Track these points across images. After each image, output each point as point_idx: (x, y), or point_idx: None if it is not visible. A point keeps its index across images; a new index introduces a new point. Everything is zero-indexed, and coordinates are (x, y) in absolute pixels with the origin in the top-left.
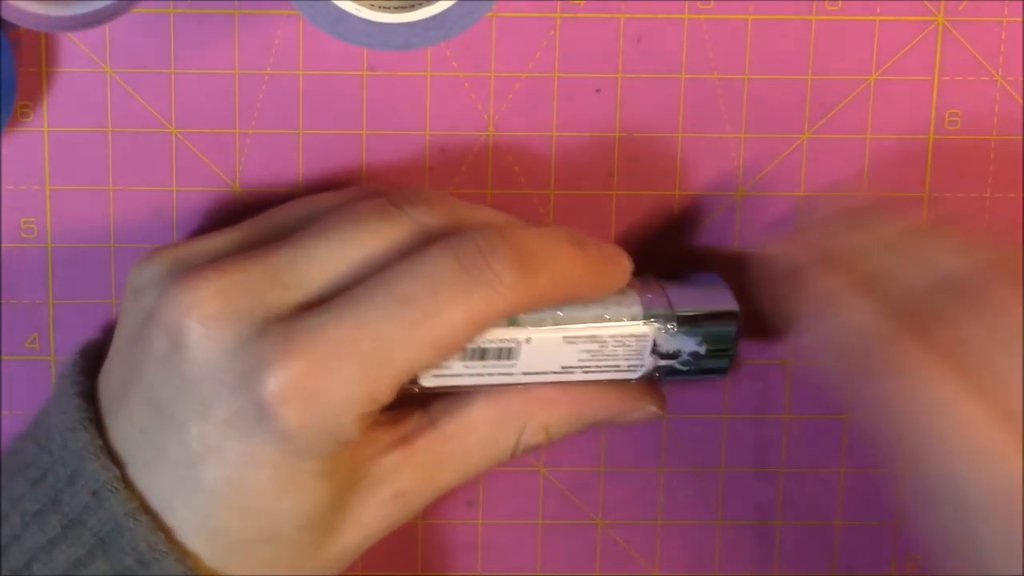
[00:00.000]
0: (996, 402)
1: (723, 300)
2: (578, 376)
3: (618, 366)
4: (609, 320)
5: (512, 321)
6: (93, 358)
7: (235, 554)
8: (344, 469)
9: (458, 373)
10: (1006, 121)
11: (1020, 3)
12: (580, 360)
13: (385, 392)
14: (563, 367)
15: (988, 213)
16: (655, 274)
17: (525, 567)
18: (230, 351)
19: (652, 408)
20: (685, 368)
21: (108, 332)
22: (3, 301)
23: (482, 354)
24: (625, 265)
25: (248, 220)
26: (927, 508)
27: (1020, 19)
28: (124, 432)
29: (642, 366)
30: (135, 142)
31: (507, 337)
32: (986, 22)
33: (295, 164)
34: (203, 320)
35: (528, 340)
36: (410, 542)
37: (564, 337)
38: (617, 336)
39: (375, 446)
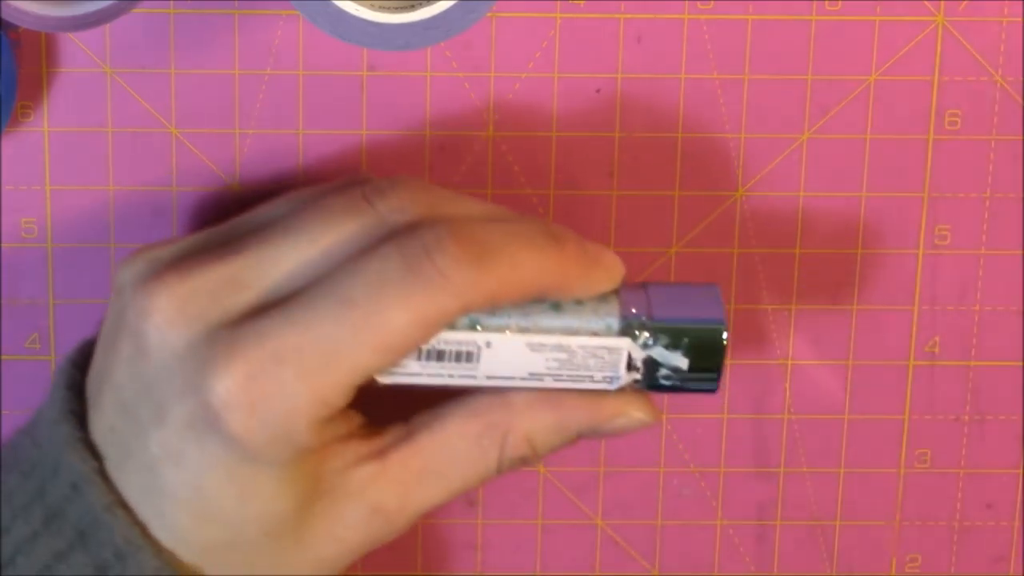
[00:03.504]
0: None
1: (710, 313)
2: (548, 383)
3: (592, 376)
4: (579, 330)
5: (472, 324)
6: (88, 353)
7: (207, 558)
8: (308, 478)
9: (415, 372)
10: (1006, 121)
11: (1020, 3)
12: (548, 368)
13: (335, 396)
14: (531, 373)
15: (988, 213)
16: (646, 281)
17: (525, 567)
18: (181, 355)
19: (639, 415)
20: (668, 383)
21: None
22: (3, 301)
23: (439, 355)
24: (611, 267)
25: (236, 217)
26: None
27: (1020, 19)
28: (100, 428)
29: (618, 379)
30: (135, 142)
31: (465, 339)
32: (986, 22)
33: (295, 164)
34: (159, 325)
35: (488, 344)
36: (410, 542)
37: (528, 344)
38: (587, 347)
39: (346, 457)
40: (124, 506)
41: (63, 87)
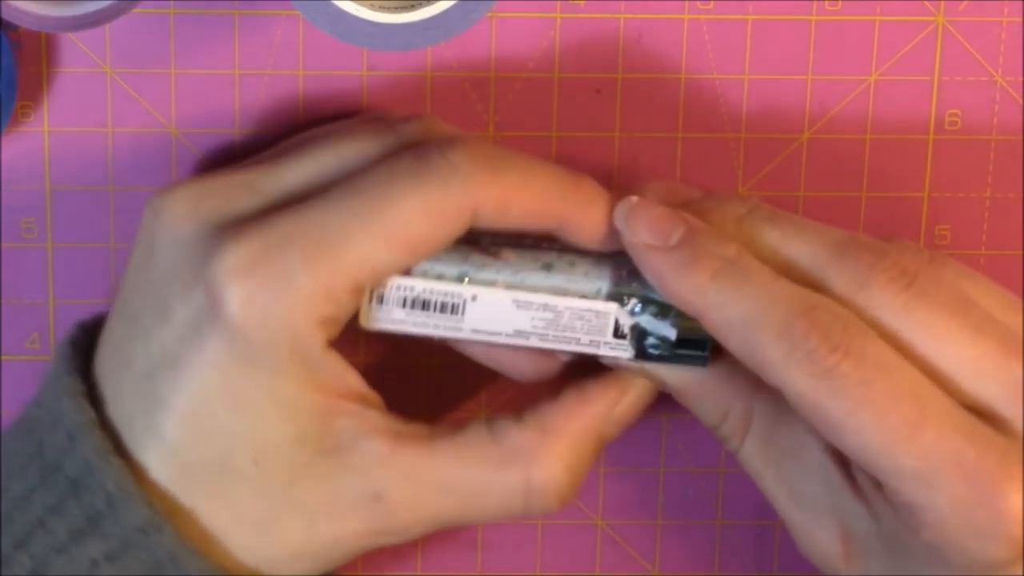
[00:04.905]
0: (999, 333)
1: None
2: (534, 343)
3: (578, 339)
4: (568, 291)
5: (461, 276)
6: (94, 322)
7: (193, 482)
8: (309, 414)
9: (400, 319)
10: (1006, 121)
11: (1020, 3)
12: (534, 327)
13: (340, 288)
14: (516, 331)
15: (988, 213)
16: None
17: (525, 567)
18: (189, 249)
19: (641, 385)
20: (656, 352)
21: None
22: (3, 301)
23: (424, 304)
24: (604, 203)
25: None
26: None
27: (1020, 19)
28: (103, 359)
29: (605, 344)
30: (135, 142)
31: (451, 291)
32: (986, 22)
33: None
34: (170, 222)
35: (474, 297)
36: (410, 542)
37: (515, 300)
38: (574, 309)
39: (360, 422)
40: (119, 454)
41: (63, 87)
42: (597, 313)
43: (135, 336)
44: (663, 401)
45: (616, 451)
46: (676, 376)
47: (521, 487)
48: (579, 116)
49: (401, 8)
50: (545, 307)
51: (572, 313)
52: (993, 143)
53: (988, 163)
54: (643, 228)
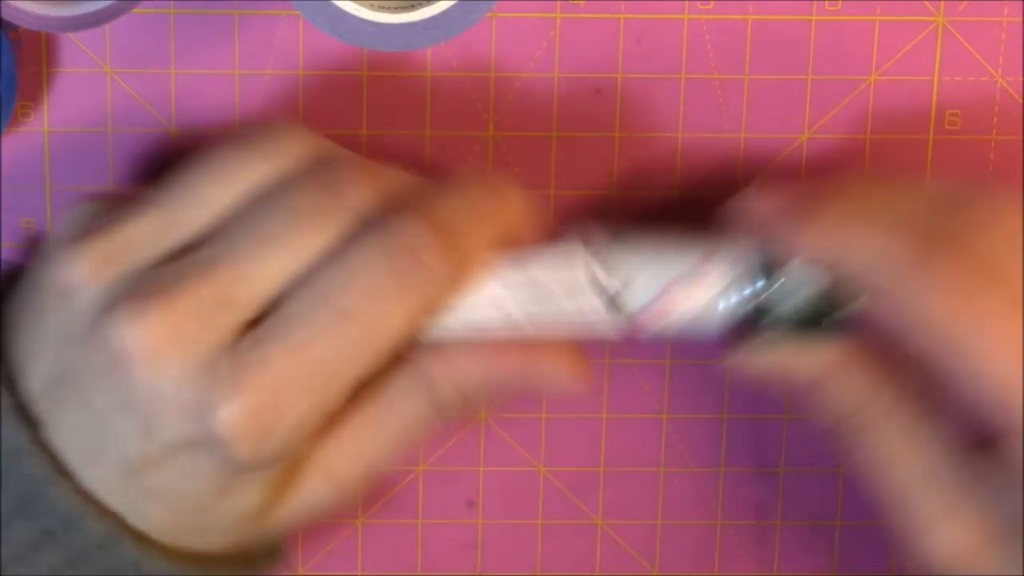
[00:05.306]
0: None
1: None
2: (528, 329)
3: (564, 310)
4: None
5: None
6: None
7: (177, 539)
8: (285, 469)
9: None
10: (1006, 121)
11: (1020, 3)
12: (524, 310)
13: (337, 404)
14: (506, 315)
15: None
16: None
17: (525, 567)
18: (178, 383)
19: (562, 373)
20: (780, 328)
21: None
22: None
23: None
24: (516, 200)
25: (160, 191)
26: (1004, 439)
27: (1020, 19)
28: (61, 434)
29: (580, 290)
30: (135, 142)
31: None
32: (986, 22)
33: None
34: (150, 350)
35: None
36: (410, 542)
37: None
38: (550, 275)
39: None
40: (64, 473)
41: (63, 87)
42: (570, 264)
43: (104, 436)
44: (663, 401)
45: (616, 451)
46: (812, 360)
47: (424, 400)
48: (579, 116)
49: (401, 8)
50: (525, 283)
51: (553, 281)
52: (993, 143)
53: (988, 163)
54: (768, 199)
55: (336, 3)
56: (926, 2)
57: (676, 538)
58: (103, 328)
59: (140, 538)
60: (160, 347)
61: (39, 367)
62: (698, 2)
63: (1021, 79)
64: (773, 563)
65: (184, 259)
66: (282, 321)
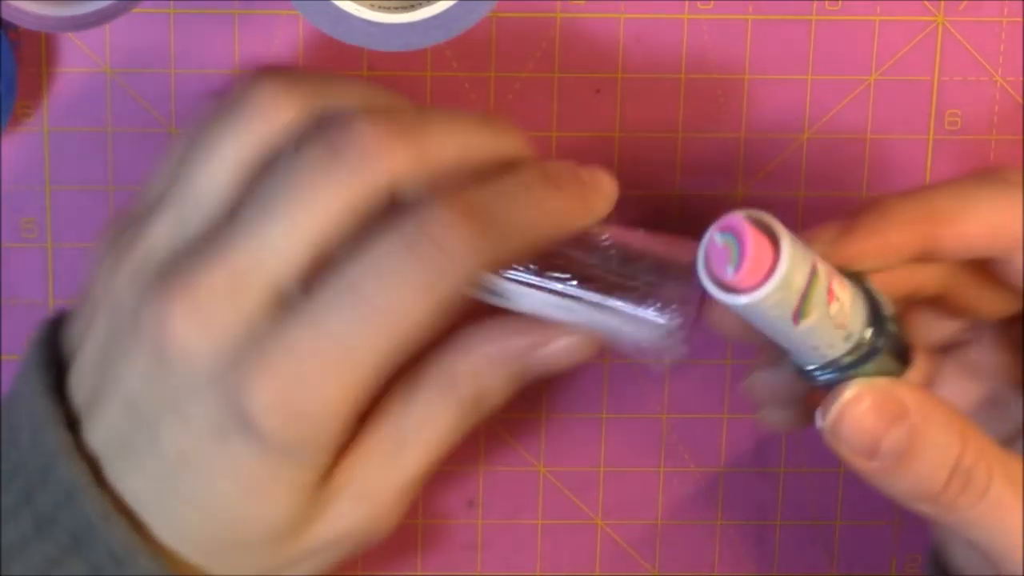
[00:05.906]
0: None
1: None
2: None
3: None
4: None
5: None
6: (53, 347)
7: (208, 557)
8: (315, 482)
9: None
10: (1006, 121)
11: (1020, 3)
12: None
13: (365, 393)
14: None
15: None
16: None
17: (525, 567)
18: (209, 367)
19: (575, 339)
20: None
21: (62, 315)
22: (3, 301)
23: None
24: (606, 187)
25: (158, 184)
26: None
27: (1020, 19)
28: (99, 433)
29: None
30: (135, 142)
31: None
32: (986, 22)
33: None
34: (180, 337)
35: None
36: (410, 542)
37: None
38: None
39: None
40: (121, 511)
41: (63, 87)
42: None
43: (143, 435)
44: (663, 401)
45: (616, 451)
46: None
47: (451, 400)
48: (579, 116)
49: (401, 8)
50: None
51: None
52: (993, 143)
53: (988, 163)
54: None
55: (336, 3)
56: (926, 2)
57: (676, 538)
58: (140, 324)
59: None
60: (190, 331)
61: (84, 374)
62: (698, 2)
63: (1021, 79)
64: (773, 563)
65: (198, 248)
66: (307, 308)
